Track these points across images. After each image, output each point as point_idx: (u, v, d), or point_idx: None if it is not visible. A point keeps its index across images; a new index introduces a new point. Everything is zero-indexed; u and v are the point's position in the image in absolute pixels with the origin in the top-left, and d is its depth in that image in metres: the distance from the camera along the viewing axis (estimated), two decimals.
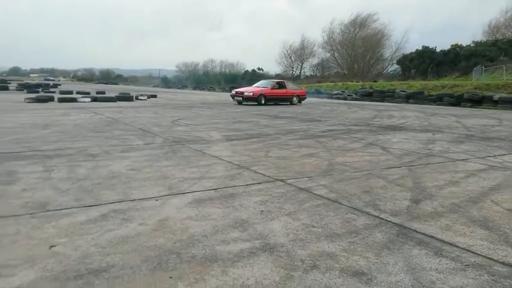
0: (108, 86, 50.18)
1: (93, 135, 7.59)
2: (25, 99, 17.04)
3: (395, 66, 50.97)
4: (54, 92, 24.05)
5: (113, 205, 3.45)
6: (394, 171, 5.19)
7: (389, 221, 3.24)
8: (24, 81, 43.92)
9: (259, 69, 69.70)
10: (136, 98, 21.56)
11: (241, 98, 19.93)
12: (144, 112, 13.57)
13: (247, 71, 72.50)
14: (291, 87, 21.98)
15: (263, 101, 19.65)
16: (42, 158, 5.38)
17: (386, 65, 56.40)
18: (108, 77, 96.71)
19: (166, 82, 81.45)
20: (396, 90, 29.12)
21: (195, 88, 59.93)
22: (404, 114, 15.67)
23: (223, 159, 5.63)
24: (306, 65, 66.89)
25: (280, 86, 21.41)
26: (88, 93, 23.58)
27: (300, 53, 66.28)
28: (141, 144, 6.73)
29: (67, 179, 4.29)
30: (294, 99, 21.25)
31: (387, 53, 56.32)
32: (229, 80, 67.48)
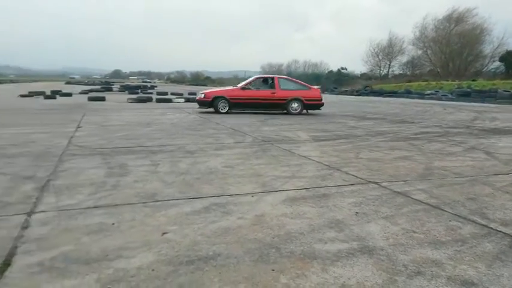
0: (198, 88, 52.95)
1: (189, 133, 8.11)
2: (128, 99, 18.77)
3: (497, 63, 46.27)
4: (151, 93, 26.13)
5: (213, 199, 3.68)
6: (502, 178, 4.75)
7: (500, 231, 2.99)
8: (125, 83, 48.33)
9: (343, 68, 68.24)
10: None
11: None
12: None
13: (331, 70, 71.41)
14: (285, 87, 13.48)
15: (223, 107, 13.24)
16: (148, 153, 5.90)
17: (487, 62, 51.52)
18: (197, 78, 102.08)
19: None
20: (498, 90, 26.49)
21: None
22: (509, 117, 14.18)
23: (313, 160, 5.65)
24: (395, 63, 63.84)
25: (265, 84, 13.81)
26: (181, 94, 25.17)
27: (388, 50, 63.42)
28: (232, 143, 7.02)
29: (171, 173, 4.66)
30: (293, 105, 13.35)
31: (487, 49, 51.42)
32: (312, 80, 66.96)
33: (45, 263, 2.35)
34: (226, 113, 13.18)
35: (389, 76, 60.22)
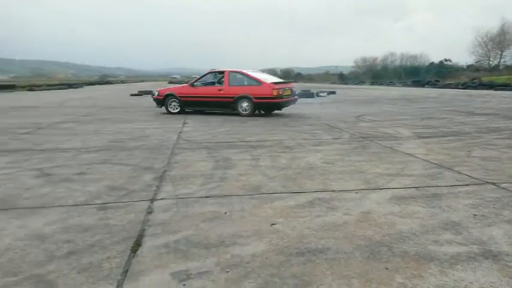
0: None
1: (285, 129, 8.24)
2: None
3: None
4: None
5: (316, 194, 3.70)
6: None
7: None
8: None
9: (446, 60, 62.91)
10: (317, 95, 22.29)
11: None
12: (327, 108, 13.96)
13: (432, 62, 66.35)
14: (235, 83, 11.14)
15: (174, 107, 11.95)
16: (247, 147, 6.14)
17: None
18: (288, 76, 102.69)
19: (342, 78, 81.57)
20: None
21: (372, 83, 58.20)
22: None
23: (418, 157, 5.35)
24: (507, 53, 56.98)
25: (215, 80, 12.17)
26: None
27: (499, 39, 56.79)
28: (330, 139, 6.96)
29: (272, 167, 4.80)
30: (243, 104, 11.02)
31: None
32: (410, 73, 62.93)
33: (170, 245, 2.60)
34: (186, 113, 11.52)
35: (500, 67, 53.97)
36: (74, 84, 46.47)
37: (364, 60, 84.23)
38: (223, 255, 2.44)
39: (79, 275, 2.21)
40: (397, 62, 76.84)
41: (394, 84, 49.98)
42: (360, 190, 3.82)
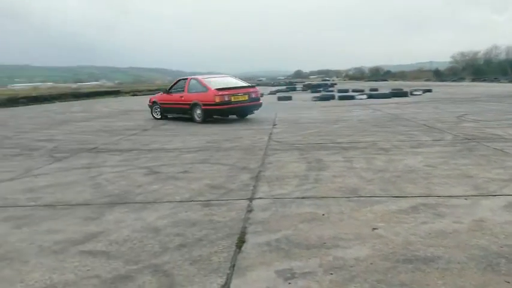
0: (379, 83, 51.09)
1: (378, 130, 7.93)
2: (312, 98, 19.58)
3: None
4: (332, 91, 26.51)
5: (419, 199, 3.51)
6: None
7: None
8: (307, 82, 50.45)
9: None
10: (411, 93, 21.05)
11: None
12: (422, 107, 13.11)
13: None
14: (193, 90, 11.03)
15: (156, 113, 12.40)
16: (339, 149, 6.04)
17: None
18: (377, 74, 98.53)
19: (438, 75, 75.78)
20: None
21: (473, 80, 53.16)
22: None
23: None
24: None
25: (182, 86, 11.66)
26: (362, 90, 24.77)
27: None
28: (429, 141, 6.54)
29: (367, 170, 4.66)
30: (197, 111, 10.80)
31: None
32: None
33: (271, 243, 2.67)
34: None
35: None
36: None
37: (463, 54, 77.21)
38: (325, 257, 2.44)
39: (191, 267, 2.38)
40: (502, 56, 69.13)
41: (499, 81, 45.06)
42: (469, 196, 3.53)
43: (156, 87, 57.56)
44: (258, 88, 11.57)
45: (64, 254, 2.62)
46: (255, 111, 11.65)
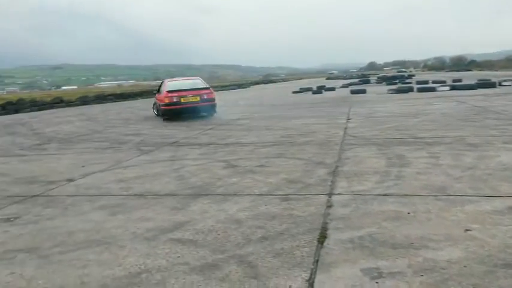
0: (462, 73, 47.40)
1: (464, 124, 7.36)
2: (387, 90, 18.75)
3: None
4: (410, 83, 25.13)
5: None
6: None
7: None
8: (381, 75, 48.42)
9: None
10: (500, 84, 19.22)
11: None
12: None
13: None
14: (161, 91, 12.67)
15: (156, 111, 13.47)
16: (422, 144, 5.71)
17: None
18: (459, 64, 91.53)
19: None
20: None
21: None
22: None
23: None
24: None
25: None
26: (444, 81, 23.14)
27: None
28: None
29: (455, 167, 4.35)
30: (158, 110, 12.95)
31: None
32: None
33: (354, 240, 2.62)
34: None
35: None
36: (242, 84, 51.07)
37: None
38: (414, 257, 2.33)
39: (274, 259, 2.42)
40: None
41: None
42: None
43: (228, 83, 59.19)
44: (212, 90, 12.45)
45: (156, 241, 2.81)
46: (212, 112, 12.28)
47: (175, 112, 11.74)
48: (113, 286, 2.24)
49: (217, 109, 12.37)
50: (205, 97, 11.82)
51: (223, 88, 42.82)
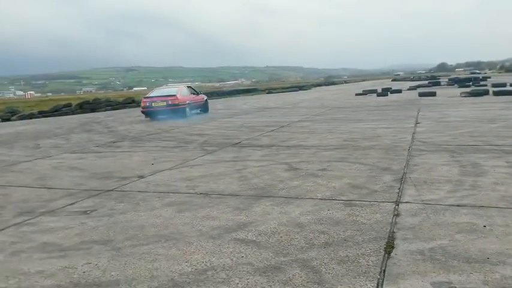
0: None
1: None
2: (460, 93, 17.60)
3: None
4: (485, 85, 23.38)
5: None
6: None
7: None
8: (452, 76, 45.57)
9: None
10: None
11: None
12: None
13: None
14: None
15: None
16: (500, 152, 5.30)
17: None
18: None
19: None
20: None
21: None
22: None
23: None
24: None
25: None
26: None
27: None
28: None
29: None
30: None
31: None
32: None
33: (424, 252, 2.50)
34: None
35: None
36: (303, 86, 50.79)
37: None
38: (490, 273, 2.17)
39: (339, 266, 2.38)
40: None
41: None
42: None
43: (289, 85, 59.16)
44: (179, 96, 14.39)
45: (220, 240, 2.89)
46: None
47: (147, 113, 14.60)
48: (180, 281, 2.33)
49: (276, 112, 12.42)
50: (170, 102, 14.14)
51: (284, 90, 42.90)
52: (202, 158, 6.19)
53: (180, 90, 14.98)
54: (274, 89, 45.94)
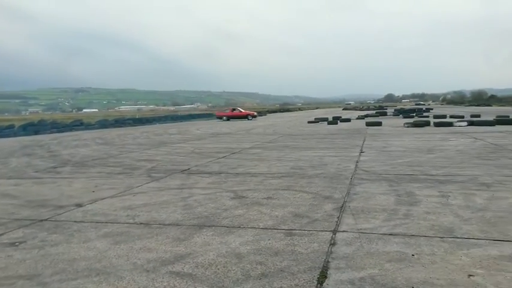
0: (481, 108, 46.90)
1: (479, 163, 7.23)
2: (404, 124, 18.63)
3: None
4: (427, 117, 24.97)
5: None
6: None
7: None
8: (398, 107, 48.27)
9: None
10: None
11: None
12: None
13: None
14: None
15: None
16: (434, 182, 5.63)
17: None
18: (479, 98, 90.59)
19: None
20: None
21: None
22: None
23: None
24: None
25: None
26: (462, 116, 22.95)
27: None
28: None
29: (465, 207, 4.26)
30: None
31: None
32: None
33: (355, 282, 2.57)
34: None
35: None
36: (259, 112, 51.44)
37: None
38: None
39: None
40: None
41: None
42: None
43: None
44: None
45: (155, 273, 2.81)
46: None
47: None
48: None
49: (229, 138, 12.51)
50: None
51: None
52: (147, 186, 6.05)
53: None
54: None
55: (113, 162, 9.05)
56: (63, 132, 22.79)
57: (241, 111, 36.87)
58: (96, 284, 2.67)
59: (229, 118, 35.66)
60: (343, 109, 63.50)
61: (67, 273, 2.87)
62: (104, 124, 27.25)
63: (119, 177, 6.96)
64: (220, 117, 36.59)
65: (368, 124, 19.68)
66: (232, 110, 37.45)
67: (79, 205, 4.93)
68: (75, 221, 4.22)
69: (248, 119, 33.74)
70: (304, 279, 2.63)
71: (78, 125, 25.50)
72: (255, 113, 37.87)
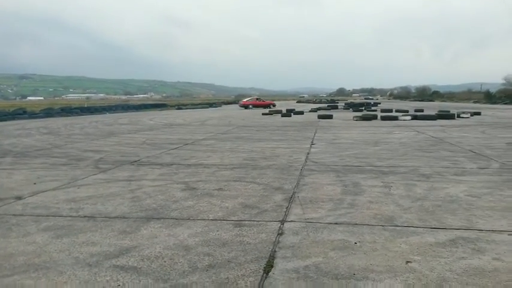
0: (425, 103, 49.47)
1: (420, 155, 7.66)
2: (353, 117, 19.28)
3: None
4: (375, 111, 25.97)
5: (459, 231, 3.35)
6: None
7: None
8: (349, 101, 49.84)
9: None
10: (458, 116, 20.21)
11: None
12: (469, 131, 12.54)
13: None
14: None
15: None
16: (378, 173, 5.89)
17: None
18: (423, 94, 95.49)
19: (489, 97, 72.08)
20: None
21: None
22: None
23: None
24: None
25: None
26: (407, 111, 24.10)
27: None
28: (474, 168, 6.23)
29: (406, 197, 4.50)
30: None
31: None
32: None
33: (300, 270, 2.64)
34: None
35: None
36: (213, 103, 51.09)
37: None
38: None
39: None
40: None
41: None
42: None
43: (200, 101, 59.07)
44: None
45: (98, 268, 2.72)
46: None
47: None
48: None
49: (183, 129, 12.33)
50: None
51: (194, 107, 42.72)
52: (93, 177, 5.83)
53: None
54: (185, 105, 45.55)
55: (57, 152, 8.61)
56: (4, 121, 21.34)
57: (264, 101, 40.08)
58: (34, 280, 2.54)
59: (253, 107, 36.81)
60: (297, 102, 64.52)
61: (3, 269, 2.71)
62: (49, 113, 25.85)
63: (63, 168, 6.65)
64: (246, 106, 37.96)
65: (320, 117, 20.16)
66: (256, 99, 40.54)
67: (19, 198, 4.66)
68: (14, 214, 3.99)
69: (270, 107, 35.63)
70: (250, 269, 2.66)
71: (21, 113, 24.00)
72: (275, 103, 40.92)
